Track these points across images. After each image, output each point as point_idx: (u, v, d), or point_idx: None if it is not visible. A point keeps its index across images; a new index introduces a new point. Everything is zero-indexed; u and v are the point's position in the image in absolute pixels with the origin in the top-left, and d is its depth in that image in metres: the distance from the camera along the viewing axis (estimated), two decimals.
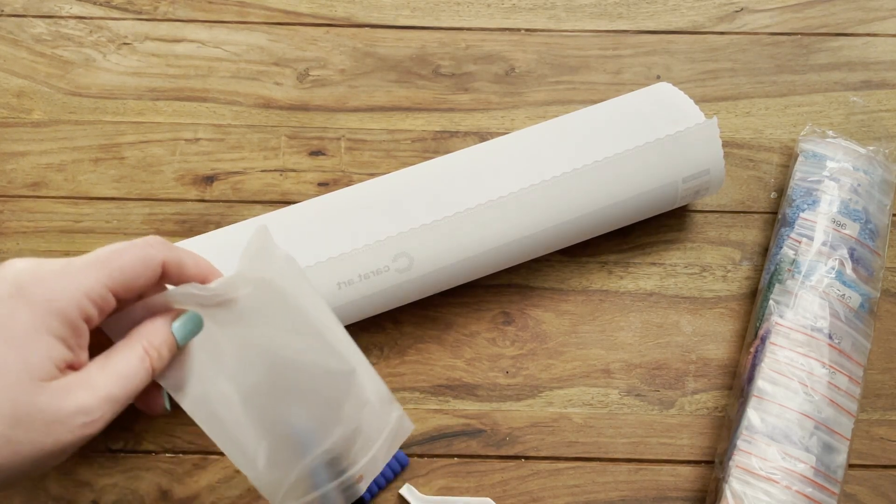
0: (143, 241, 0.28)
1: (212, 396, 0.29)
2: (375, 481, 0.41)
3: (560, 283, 0.46)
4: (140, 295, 0.28)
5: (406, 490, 0.41)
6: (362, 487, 0.31)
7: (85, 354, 0.27)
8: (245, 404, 0.29)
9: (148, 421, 0.43)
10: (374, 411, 0.30)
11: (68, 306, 0.25)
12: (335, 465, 0.30)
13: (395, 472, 0.41)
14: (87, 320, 0.26)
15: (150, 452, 0.43)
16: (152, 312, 0.28)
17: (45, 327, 0.25)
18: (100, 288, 0.26)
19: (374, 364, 0.44)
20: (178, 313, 0.28)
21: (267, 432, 0.29)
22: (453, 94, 0.51)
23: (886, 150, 0.47)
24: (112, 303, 0.27)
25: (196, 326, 0.29)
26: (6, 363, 0.24)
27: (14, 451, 0.24)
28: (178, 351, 0.28)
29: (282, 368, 0.29)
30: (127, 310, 0.28)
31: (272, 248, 0.29)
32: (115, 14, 0.53)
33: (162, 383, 0.29)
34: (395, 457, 0.41)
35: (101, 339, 0.28)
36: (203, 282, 0.29)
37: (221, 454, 0.43)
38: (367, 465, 0.30)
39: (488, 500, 0.41)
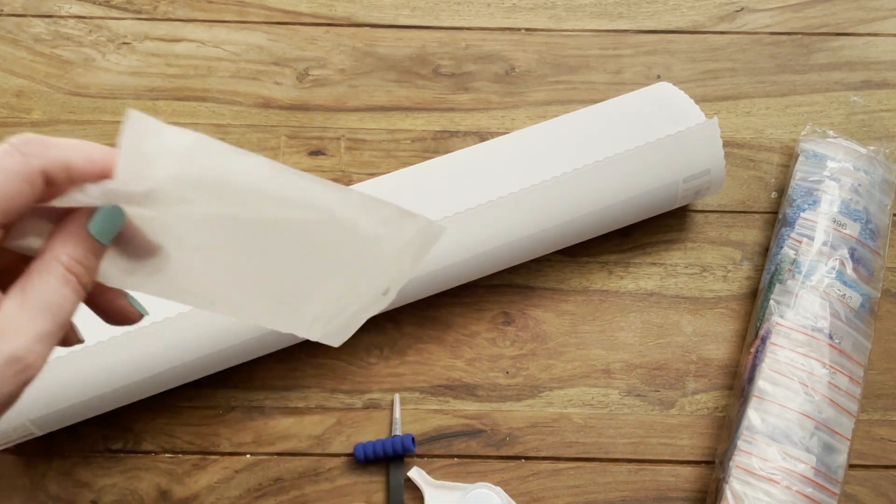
0: (10, 146, 0.23)
1: (189, 278, 0.25)
2: (382, 449, 0.41)
3: (560, 283, 0.46)
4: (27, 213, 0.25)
5: (415, 472, 0.41)
6: (390, 297, 0.29)
7: None
8: (233, 278, 0.26)
9: (148, 421, 0.43)
10: (382, 241, 0.27)
11: None
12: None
13: (399, 451, 0.41)
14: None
15: (149, 452, 0.42)
16: (57, 215, 0.24)
17: None
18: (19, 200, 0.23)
19: (373, 364, 0.44)
20: (89, 210, 0.24)
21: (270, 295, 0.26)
22: (453, 93, 0.51)
23: (887, 150, 0.47)
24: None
25: (117, 216, 0.24)
26: None
27: None
28: (105, 250, 0.25)
29: (255, 238, 0.25)
30: (25, 221, 0.24)
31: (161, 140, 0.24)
32: (115, 14, 0.53)
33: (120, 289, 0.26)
34: (402, 441, 0.41)
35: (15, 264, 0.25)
36: (102, 177, 0.25)
37: (221, 454, 0.42)
38: (393, 279, 0.28)
39: (489, 485, 0.41)
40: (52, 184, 0.24)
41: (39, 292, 0.23)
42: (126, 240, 0.25)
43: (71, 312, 0.24)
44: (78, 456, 0.42)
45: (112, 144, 0.56)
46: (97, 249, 0.24)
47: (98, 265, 0.25)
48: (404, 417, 0.43)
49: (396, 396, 0.43)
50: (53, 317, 0.23)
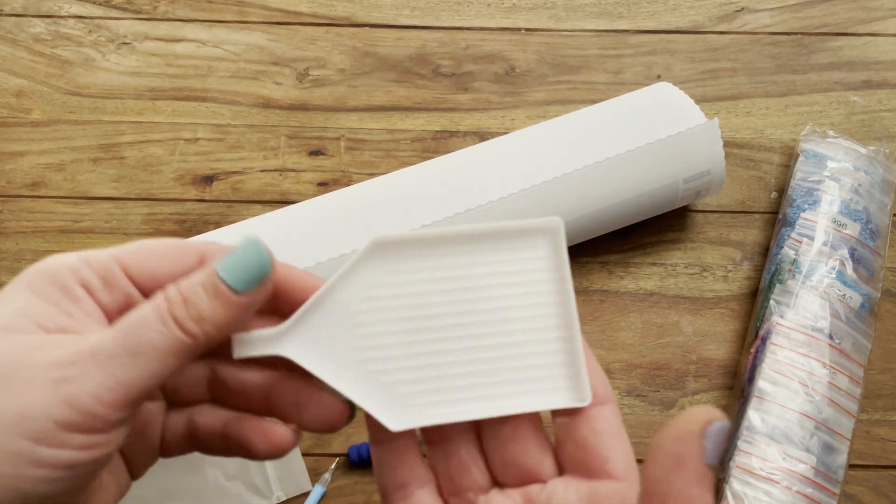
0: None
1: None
2: None
3: None
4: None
5: None
6: None
7: (96, 325, 0.21)
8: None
9: None
10: None
11: (59, 268, 0.21)
12: None
13: None
14: (86, 287, 0.21)
15: None
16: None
17: (29, 287, 0.20)
18: (105, 256, 0.21)
19: None
20: (231, 249, 0.21)
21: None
22: (453, 93, 0.51)
23: (887, 150, 0.47)
24: (118, 277, 0.21)
25: (259, 259, 0.20)
26: None
27: None
28: (243, 303, 0.20)
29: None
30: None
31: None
32: (115, 13, 0.53)
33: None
34: None
35: None
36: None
37: None
38: None
39: None
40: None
41: (125, 319, 0.20)
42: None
43: (150, 343, 0.19)
44: None
45: (111, 144, 0.55)
46: (219, 290, 0.20)
47: (218, 313, 0.20)
48: None
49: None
50: (121, 337, 0.19)
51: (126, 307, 0.21)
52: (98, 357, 0.19)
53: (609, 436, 0.22)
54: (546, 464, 0.23)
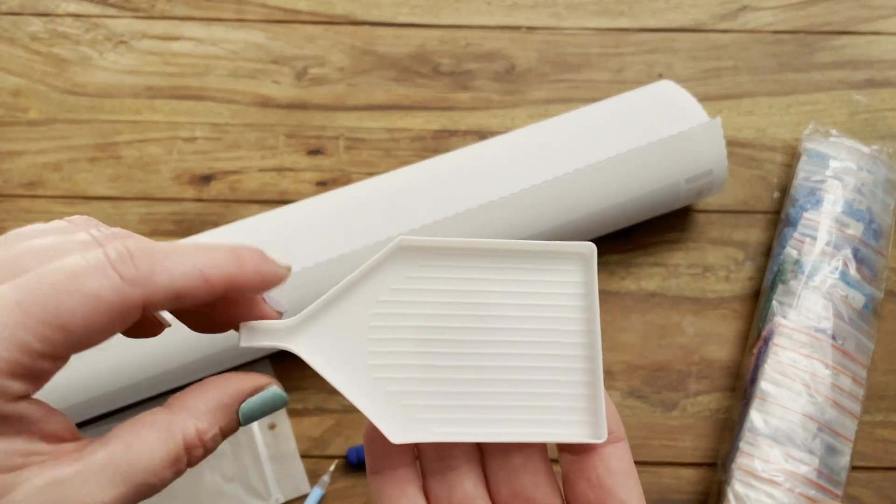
0: (106, 259, 0.18)
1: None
2: None
3: None
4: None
5: None
6: None
7: (50, 423, 0.18)
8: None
9: None
10: None
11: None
12: None
13: None
14: (21, 398, 0.17)
15: None
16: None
17: None
18: (25, 359, 0.17)
19: None
20: (257, 386, 0.20)
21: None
22: (453, 92, 0.51)
23: (890, 150, 0.47)
24: (49, 368, 0.17)
25: (275, 405, 0.21)
26: None
27: None
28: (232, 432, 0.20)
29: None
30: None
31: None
32: (112, 12, 0.53)
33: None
34: None
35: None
36: (218, 295, 0.20)
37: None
38: None
39: None
40: (155, 313, 0.19)
41: (136, 461, 0.18)
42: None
43: (156, 490, 0.18)
44: None
45: (108, 143, 0.55)
46: (231, 431, 0.20)
47: (217, 445, 0.20)
48: None
49: None
50: (136, 494, 0.18)
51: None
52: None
53: (625, 475, 0.22)
54: (557, 501, 0.22)
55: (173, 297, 0.18)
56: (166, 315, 0.22)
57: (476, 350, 0.22)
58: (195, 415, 0.19)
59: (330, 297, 0.22)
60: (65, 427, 0.18)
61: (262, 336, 0.21)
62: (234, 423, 0.20)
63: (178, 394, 0.19)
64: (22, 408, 0.17)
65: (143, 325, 0.21)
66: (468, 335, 0.22)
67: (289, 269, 0.21)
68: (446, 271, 0.22)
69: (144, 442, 0.18)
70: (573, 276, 0.23)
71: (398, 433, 0.21)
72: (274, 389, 0.20)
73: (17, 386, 0.17)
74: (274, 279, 0.20)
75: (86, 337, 0.17)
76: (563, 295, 0.23)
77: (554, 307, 0.23)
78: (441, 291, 0.22)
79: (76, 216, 0.20)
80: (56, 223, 0.19)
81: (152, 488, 0.18)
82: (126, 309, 0.17)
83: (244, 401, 0.20)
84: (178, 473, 0.19)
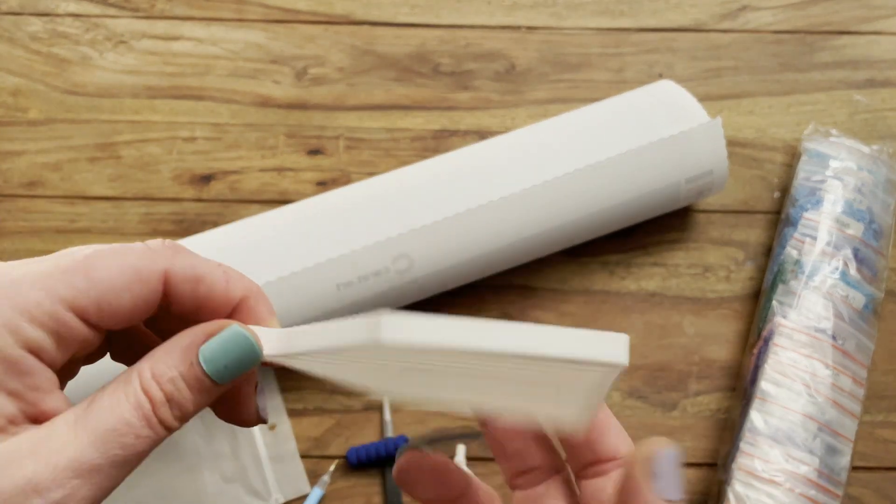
0: (142, 244, 0.19)
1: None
2: (375, 452, 0.41)
3: (561, 284, 0.46)
4: (143, 321, 0.20)
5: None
6: None
7: (51, 398, 0.18)
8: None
9: None
10: None
11: None
12: None
13: (393, 453, 0.41)
14: (36, 351, 0.18)
15: None
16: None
17: None
18: (49, 303, 0.17)
19: None
20: (217, 328, 0.19)
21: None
22: (453, 92, 0.51)
23: (890, 150, 0.47)
24: (76, 327, 0.18)
25: (239, 346, 0.19)
26: None
27: None
28: (218, 391, 0.19)
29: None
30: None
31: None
32: (112, 12, 0.53)
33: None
34: (395, 443, 0.41)
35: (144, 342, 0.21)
36: (232, 306, 0.20)
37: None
38: None
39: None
40: (173, 294, 0.19)
41: (102, 408, 0.18)
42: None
43: (135, 450, 0.18)
44: None
45: (108, 143, 0.55)
46: (202, 385, 0.19)
47: (198, 405, 0.19)
48: (404, 419, 0.43)
49: (385, 398, 0.43)
50: (105, 445, 0.17)
51: (80, 356, 0.19)
52: (82, 473, 0.17)
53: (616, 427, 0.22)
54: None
55: (192, 279, 0.19)
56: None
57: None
58: (150, 360, 0.19)
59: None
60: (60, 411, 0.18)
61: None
62: (196, 368, 0.18)
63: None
64: (30, 362, 0.17)
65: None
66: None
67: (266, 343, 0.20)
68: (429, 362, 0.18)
69: (104, 392, 0.18)
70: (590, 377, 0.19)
71: (388, 333, 0.16)
72: (234, 328, 0.19)
73: (35, 333, 0.17)
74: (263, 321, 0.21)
75: (113, 294, 0.18)
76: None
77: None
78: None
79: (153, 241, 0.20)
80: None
81: (124, 441, 0.17)
82: (149, 274, 0.19)
83: (202, 343, 0.19)
84: (151, 425, 0.18)
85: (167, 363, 0.18)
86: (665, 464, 0.18)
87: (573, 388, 0.21)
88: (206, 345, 0.19)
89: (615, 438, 0.22)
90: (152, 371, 0.18)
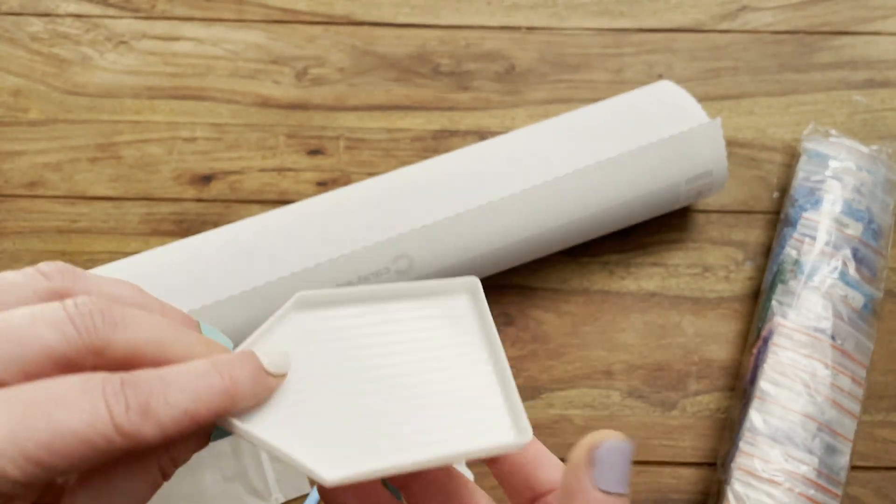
0: (64, 310, 0.17)
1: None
2: None
3: (561, 284, 0.46)
4: None
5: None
6: None
7: None
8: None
9: None
10: None
11: None
12: None
13: None
14: None
15: None
16: None
17: None
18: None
19: None
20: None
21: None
22: (453, 92, 0.51)
23: (890, 150, 0.47)
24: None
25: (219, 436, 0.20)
26: None
27: None
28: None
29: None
30: None
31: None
32: (112, 12, 0.53)
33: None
34: None
35: None
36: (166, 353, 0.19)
37: None
38: None
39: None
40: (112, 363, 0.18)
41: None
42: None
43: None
44: None
45: (109, 143, 0.55)
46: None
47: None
48: None
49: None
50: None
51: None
52: None
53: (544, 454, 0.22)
54: None
55: (162, 446, 0.18)
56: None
57: (390, 384, 0.22)
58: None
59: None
60: None
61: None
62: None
63: None
64: None
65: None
66: (380, 372, 0.23)
67: (283, 376, 0.21)
68: (345, 319, 0.23)
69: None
70: (464, 306, 0.24)
71: (330, 472, 0.20)
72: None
73: None
74: (263, 394, 0.20)
75: (65, 471, 0.16)
76: (460, 325, 0.24)
77: (455, 336, 0.24)
78: (345, 336, 0.23)
79: (46, 265, 0.19)
80: (24, 275, 0.18)
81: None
82: (111, 452, 0.17)
83: None
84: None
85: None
86: (609, 454, 0.18)
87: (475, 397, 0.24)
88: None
89: (552, 470, 0.22)
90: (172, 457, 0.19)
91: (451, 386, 0.23)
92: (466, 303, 0.24)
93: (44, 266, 0.18)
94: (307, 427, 0.21)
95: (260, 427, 0.21)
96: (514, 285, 0.46)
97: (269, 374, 0.20)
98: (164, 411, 0.17)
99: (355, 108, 0.50)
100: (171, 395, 0.17)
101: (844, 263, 0.43)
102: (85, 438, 0.16)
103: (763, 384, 0.40)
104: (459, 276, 0.24)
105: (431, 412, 0.23)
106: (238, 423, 0.20)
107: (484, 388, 0.23)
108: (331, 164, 0.49)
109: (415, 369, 0.23)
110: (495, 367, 0.24)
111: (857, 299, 0.42)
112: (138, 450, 0.17)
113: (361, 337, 0.23)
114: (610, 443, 0.18)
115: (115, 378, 0.17)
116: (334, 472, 0.20)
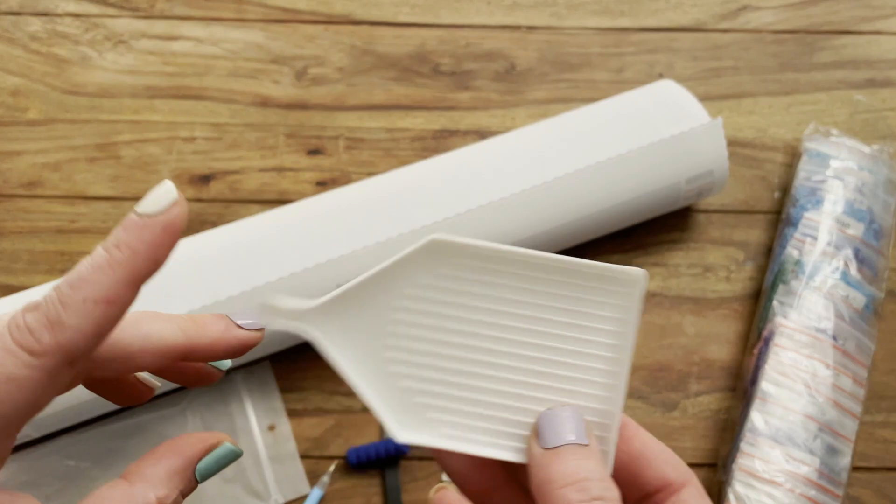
0: (32, 337, 0.17)
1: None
2: (375, 452, 0.41)
3: None
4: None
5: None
6: None
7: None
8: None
9: None
10: None
11: None
12: None
13: (393, 454, 0.41)
14: None
15: None
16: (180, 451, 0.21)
17: None
18: None
19: None
20: (210, 445, 0.21)
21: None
22: (453, 92, 0.51)
23: (891, 149, 0.47)
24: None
25: (230, 460, 0.21)
26: None
27: None
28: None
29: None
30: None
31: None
32: (111, 11, 0.52)
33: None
34: (394, 443, 0.41)
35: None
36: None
37: None
38: None
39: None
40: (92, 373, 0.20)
41: None
42: None
43: None
44: None
45: (108, 143, 0.55)
46: (191, 490, 0.21)
47: None
48: None
49: None
50: None
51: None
52: None
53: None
54: None
55: (122, 359, 0.19)
56: (147, 376, 0.23)
57: (500, 361, 0.21)
58: (154, 483, 0.19)
59: (354, 285, 0.21)
60: None
61: (278, 316, 0.21)
62: (193, 483, 0.20)
63: (134, 464, 0.20)
64: None
65: (125, 390, 0.22)
66: (493, 344, 0.21)
67: (261, 331, 0.22)
68: (479, 274, 0.21)
69: None
70: (616, 299, 0.21)
71: (403, 432, 0.21)
72: (227, 446, 0.21)
73: None
74: (244, 345, 0.21)
75: (15, 418, 0.17)
76: (601, 318, 0.21)
77: (588, 329, 0.21)
78: (471, 294, 0.21)
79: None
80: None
81: None
82: (52, 377, 0.17)
83: (199, 461, 0.21)
84: None
85: (169, 487, 0.20)
86: (546, 418, 0.21)
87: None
88: (203, 463, 0.21)
89: (664, 465, 0.21)
90: (157, 497, 0.19)
91: (563, 385, 0.21)
92: (620, 294, 0.21)
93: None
94: (398, 377, 0.21)
95: (353, 366, 0.21)
96: None
97: (147, 216, 0.19)
98: (68, 313, 0.17)
99: (355, 108, 0.50)
100: (68, 296, 0.17)
101: (846, 263, 0.43)
102: (9, 378, 0.17)
103: (764, 385, 0.40)
104: (625, 266, 0.21)
105: (529, 405, 0.21)
106: (333, 355, 0.21)
107: (591, 398, 0.21)
108: (330, 163, 0.49)
109: (532, 354, 0.21)
110: (613, 378, 0.21)
111: (859, 299, 0.42)
112: (85, 357, 0.18)
113: (489, 299, 0.21)
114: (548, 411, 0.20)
115: (18, 313, 0.18)
116: (406, 435, 0.20)
